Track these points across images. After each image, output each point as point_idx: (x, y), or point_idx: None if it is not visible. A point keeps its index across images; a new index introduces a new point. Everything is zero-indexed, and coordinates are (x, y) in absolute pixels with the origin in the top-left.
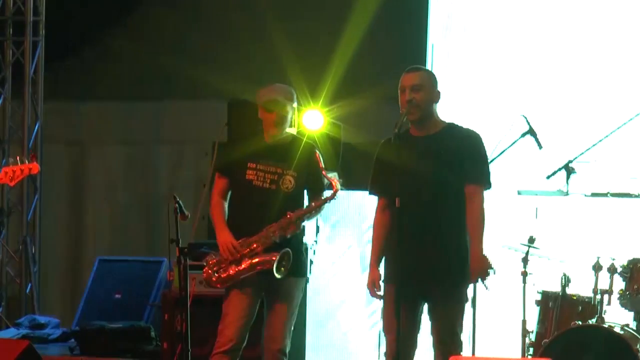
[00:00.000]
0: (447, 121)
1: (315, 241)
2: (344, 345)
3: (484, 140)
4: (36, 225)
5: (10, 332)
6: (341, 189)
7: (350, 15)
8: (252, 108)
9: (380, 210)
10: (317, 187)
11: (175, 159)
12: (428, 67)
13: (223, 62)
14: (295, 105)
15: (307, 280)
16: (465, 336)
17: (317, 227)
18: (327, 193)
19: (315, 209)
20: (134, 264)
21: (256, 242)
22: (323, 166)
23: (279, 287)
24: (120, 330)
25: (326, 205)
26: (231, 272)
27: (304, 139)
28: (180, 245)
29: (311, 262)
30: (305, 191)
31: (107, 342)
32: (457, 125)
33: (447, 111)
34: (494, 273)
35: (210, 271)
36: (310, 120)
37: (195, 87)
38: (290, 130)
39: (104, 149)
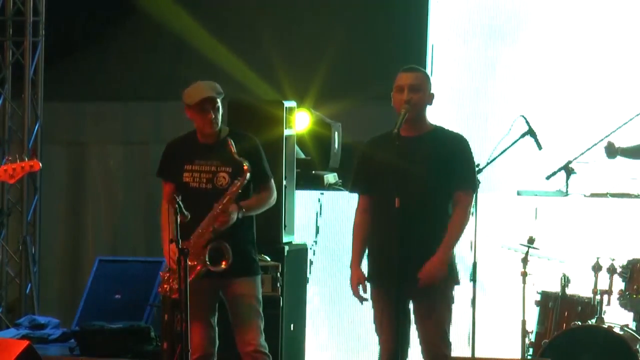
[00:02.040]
0: (434, 124)
1: (315, 242)
2: (344, 345)
3: (471, 144)
4: (36, 225)
5: (10, 332)
6: (341, 190)
7: (350, 15)
8: (252, 108)
9: (361, 210)
10: (257, 178)
11: None
12: (428, 67)
13: (223, 62)
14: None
15: (306, 281)
16: (465, 336)
17: (317, 228)
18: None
19: (234, 193)
20: (134, 264)
21: (192, 243)
22: (235, 150)
23: (233, 289)
24: (120, 330)
25: (242, 186)
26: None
27: (240, 131)
28: (180, 246)
29: (311, 262)
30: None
31: (107, 342)
32: (445, 129)
33: (447, 111)
34: (458, 284)
35: (165, 285)
36: (299, 120)
37: None
38: (289, 132)
39: (104, 149)
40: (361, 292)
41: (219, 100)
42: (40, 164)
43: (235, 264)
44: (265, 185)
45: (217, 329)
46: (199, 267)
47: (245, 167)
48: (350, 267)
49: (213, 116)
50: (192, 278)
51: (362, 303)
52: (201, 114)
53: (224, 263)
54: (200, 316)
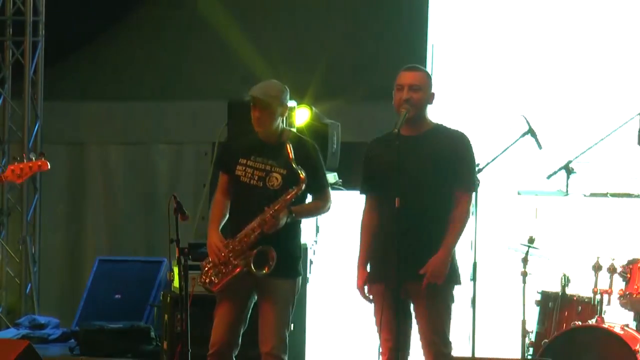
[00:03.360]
0: (435, 122)
1: (315, 241)
2: (344, 345)
3: (472, 141)
4: (36, 225)
5: (10, 332)
6: (341, 189)
7: (351, 15)
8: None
9: (368, 210)
10: (314, 185)
11: (175, 159)
12: (428, 67)
13: (223, 62)
14: (284, 103)
15: (306, 281)
16: (465, 336)
17: (317, 227)
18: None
19: (288, 201)
20: (134, 264)
21: (238, 241)
22: (292, 157)
23: (267, 288)
24: (120, 330)
25: (296, 195)
26: (222, 274)
27: (302, 137)
28: (180, 246)
29: (311, 262)
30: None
31: (107, 342)
32: (445, 126)
33: (447, 111)
34: (459, 284)
35: (205, 278)
36: (299, 115)
37: (195, 87)
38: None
39: (104, 149)
40: (367, 292)
41: (272, 102)
42: (48, 164)
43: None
44: (320, 194)
45: (241, 331)
46: (238, 269)
47: (302, 177)
48: (357, 267)
49: (258, 115)
50: (230, 278)
51: (371, 302)
52: (252, 111)
53: (266, 269)
54: (225, 312)
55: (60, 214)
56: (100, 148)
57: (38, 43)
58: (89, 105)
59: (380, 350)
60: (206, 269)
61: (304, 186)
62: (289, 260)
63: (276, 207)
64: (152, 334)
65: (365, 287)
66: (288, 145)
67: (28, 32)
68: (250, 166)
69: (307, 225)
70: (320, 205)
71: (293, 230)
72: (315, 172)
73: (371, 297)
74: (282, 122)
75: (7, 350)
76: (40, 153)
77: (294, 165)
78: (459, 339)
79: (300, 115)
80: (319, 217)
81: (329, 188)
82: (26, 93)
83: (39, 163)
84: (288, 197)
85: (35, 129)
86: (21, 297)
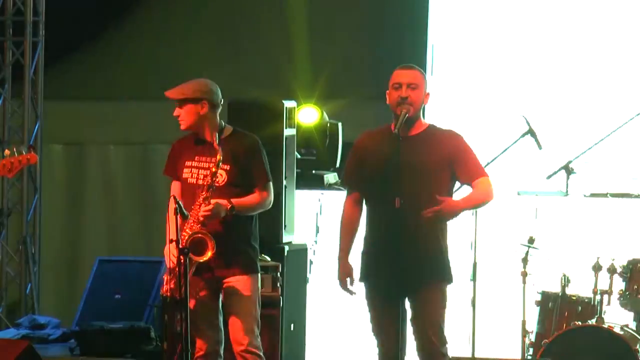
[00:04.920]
0: (428, 122)
1: (315, 241)
2: (344, 345)
3: (471, 144)
4: (36, 225)
5: (10, 332)
6: (341, 189)
7: (351, 15)
8: (252, 108)
9: (351, 204)
10: (255, 177)
11: None
12: (428, 67)
13: (223, 62)
14: (208, 99)
15: (306, 281)
16: (465, 336)
17: (317, 228)
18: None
19: (206, 183)
20: (134, 264)
21: (183, 239)
22: (217, 141)
23: (228, 287)
24: (120, 330)
25: (213, 174)
26: (176, 276)
27: (243, 131)
28: (180, 246)
29: (311, 262)
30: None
31: (107, 342)
32: (438, 127)
33: (447, 111)
34: (451, 282)
35: (166, 286)
36: (308, 115)
37: None
38: (289, 131)
39: (104, 149)
40: (349, 285)
41: (190, 102)
42: (37, 157)
43: (231, 261)
44: (262, 185)
45: (222, 328)
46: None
47: (218, 152)
48: (339, 260)
49: (182, 114)
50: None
51: (352, 295)
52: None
53: (208, 252)
54: (201, 316)
55: (60, 214)
56: (100, 148)
57: (38, 43)
58: (89, 105)
59: (379, 353)
60: (166, 279)
61: (219, 158)
62: (246, 257)
63: (202, 194)
64: (152, 334)
65: (348, 280)
66: (214, 134)
67: (28, 32)
68: (195, 167)
69: (307, 226)
70: (261, 198)
71: (246, 226)
72: (255, 165)
73: (353, 289)
74: (217, 117)
75: (7, 350)
76: (29, 146)
77: (216, 147)
78: (459, 339)
79: (309, 115)
80: (260, 211)
81: (270, 183)
82: (26, 93)
83: (28, 156)
84: (209, 175)
85: (35, 129)
86: (21, 297)
